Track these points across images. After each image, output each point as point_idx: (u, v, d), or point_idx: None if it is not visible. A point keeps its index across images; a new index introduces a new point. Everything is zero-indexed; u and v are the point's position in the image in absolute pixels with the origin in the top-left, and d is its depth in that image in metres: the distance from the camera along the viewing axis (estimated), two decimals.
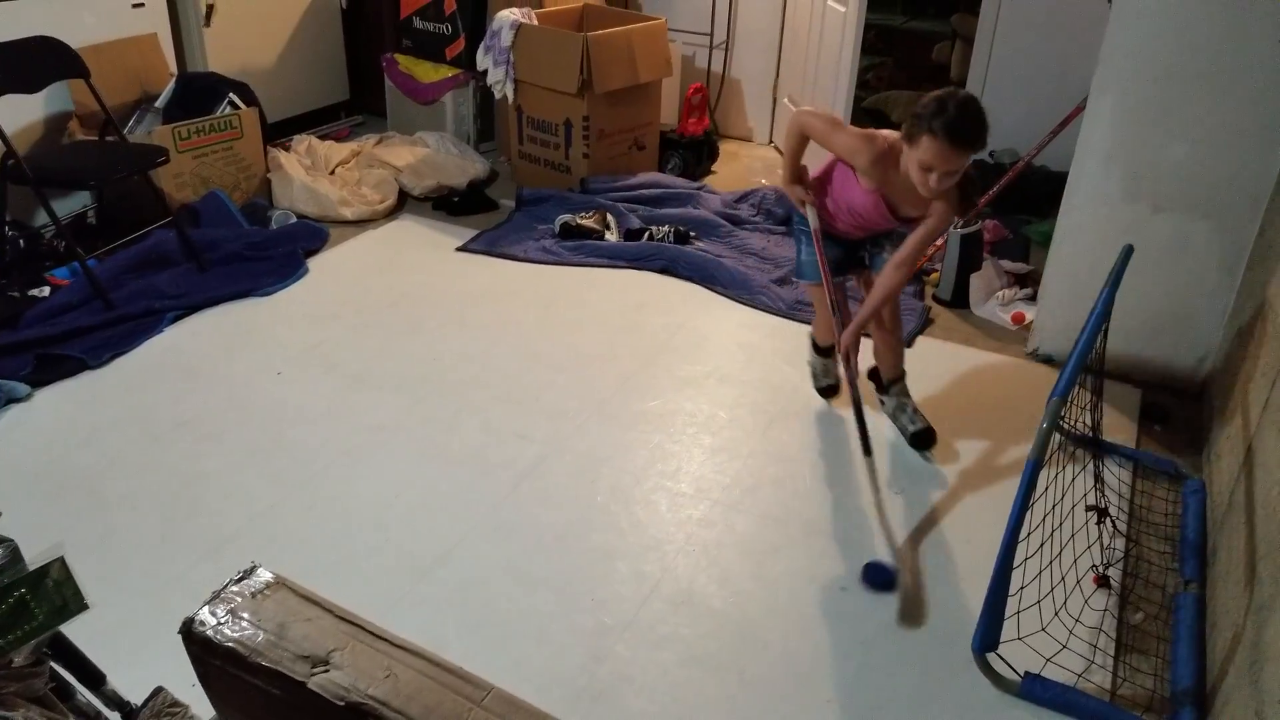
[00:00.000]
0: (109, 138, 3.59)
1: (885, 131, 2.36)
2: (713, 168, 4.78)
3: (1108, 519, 2.31)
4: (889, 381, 2.72)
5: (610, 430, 2.70)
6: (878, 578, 2.17)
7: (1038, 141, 3.49)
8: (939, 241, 3.53)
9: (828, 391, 2.86)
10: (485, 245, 3.83)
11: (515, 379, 2.94)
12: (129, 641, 1.94)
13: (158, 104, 3.88)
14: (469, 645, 1.98)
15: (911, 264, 2.39)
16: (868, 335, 2.63)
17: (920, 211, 2.35)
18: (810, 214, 2.52)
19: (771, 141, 5.15)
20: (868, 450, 2.55)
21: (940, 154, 2.16)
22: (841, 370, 2.62)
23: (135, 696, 1.55)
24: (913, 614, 2.10)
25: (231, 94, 4.00)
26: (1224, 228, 2.70)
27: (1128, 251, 2.28)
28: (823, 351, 2.82)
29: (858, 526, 2.36)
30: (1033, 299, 3.31)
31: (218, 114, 3.88)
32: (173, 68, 4.09)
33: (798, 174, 2.52)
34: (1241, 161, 2.62)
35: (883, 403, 2.76)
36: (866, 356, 2.71)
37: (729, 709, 1.86)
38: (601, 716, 1.83)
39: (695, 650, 1.99)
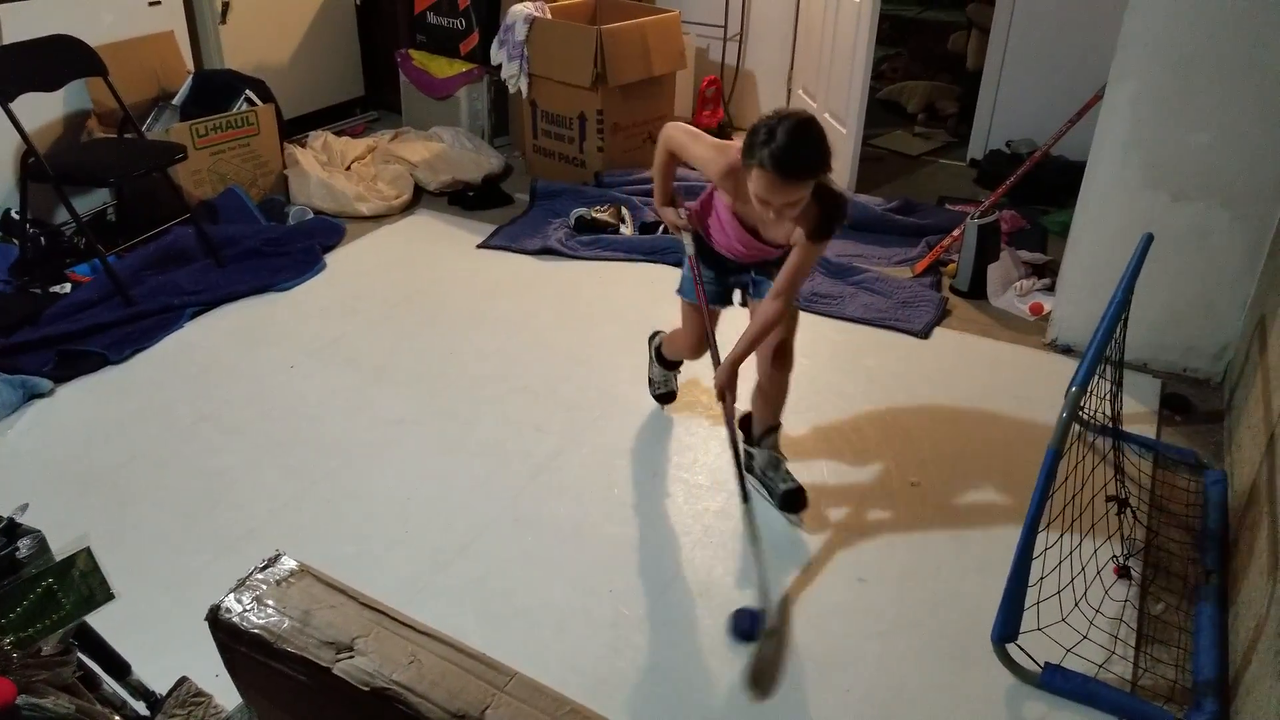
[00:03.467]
0: (127, 135, 3.62)
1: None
2: None
3: (1128, 509, 2.29)
4: (762, 433, 2.42)
5: (627, 422, 2.70)
6: (743, 625, 1.98)
7: (1055, 131, 3.47)
8: (955, 233, 3.52)
9: (665, 398, 2.76)
10: (506, 241, 3.82)
11: (532, 372, 2.95)
12: (153, 633, 1.96)
13: (175, 101, 3.91)
14: (488, 636, 1.99)
15: (788, 296, 2.12)
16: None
17: (785, 237, 2.11)
18: (686, 239, 2.33)
19: None
20: (745, 497, 2.19)
21: (770, 186, 1.89)
22: (722, 411, 2.32)
23: (160, 686, 1.57)
24: (931, 605, 2.10)
25: (248, 91, 4.02)
26: (1245, 216, 2.68)
27: (1147, 240, 2.26)
28: (667, 365, 2.69)
29: (875, 518, 2.35)
30: (1051, 289, 3.29)
31: (234, 111, 3.90)
32: (189, 65, 4.12)
33: (669, 196, 2.36)
34: (1263, 149, 2.59)
35: (751, 456, 2.44)
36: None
37: (748, 699, 1.86)
38: (620, 706, 1.83)
39: (714, 641, 1.99)
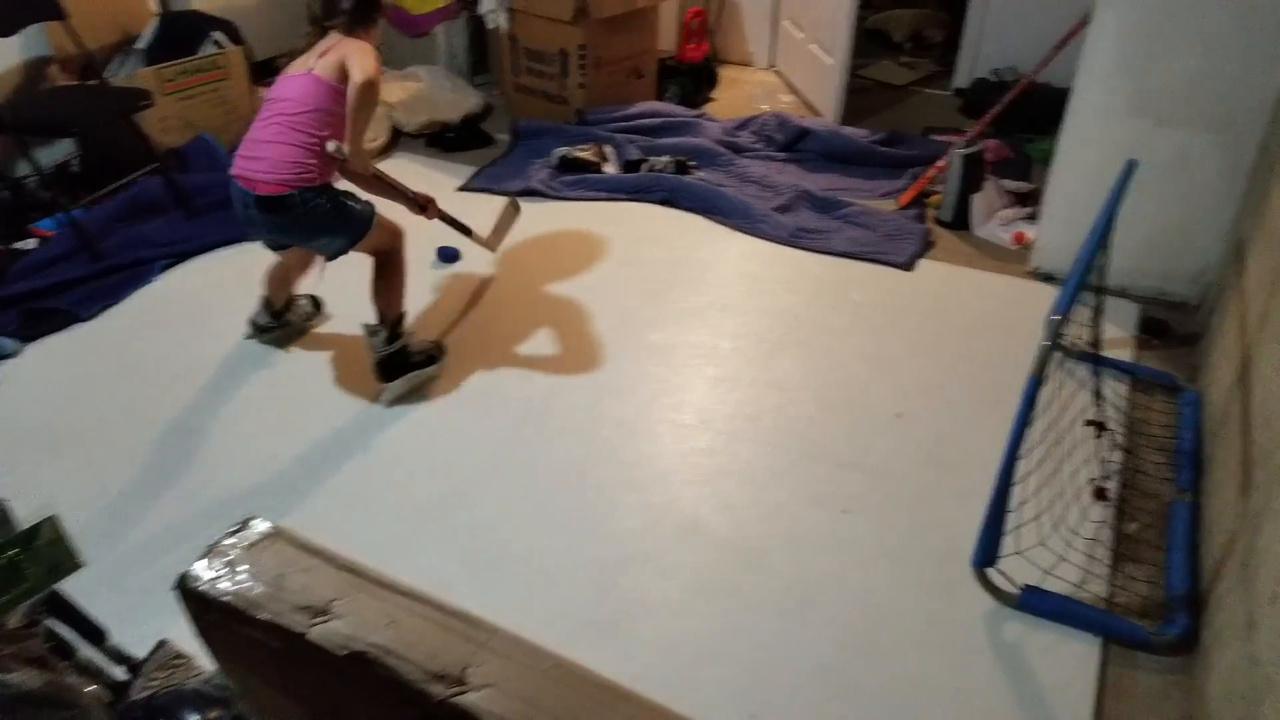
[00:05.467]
0: (90, 82, 3.52)
1: None
2: (712, 94, 4.69)
3: (1106, 432, 2.32)
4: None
5: (614, 364, 2.71)
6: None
7: (1040, 58, 3.41)
8: (940, 164, 3.48)
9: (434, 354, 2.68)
10: (488, 183, 3.77)
11: (516, 316, 2.94)
12: (130, 596, 1.96)
13: (139, 45, 3.80)
14: (477, 583, 2.02)
15: None
16: None
17: None
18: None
19: (773, 66, 5.04)
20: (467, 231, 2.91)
21: None
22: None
23: (140, 650, 1.55)
24: (914, 533, 2.13)
25: (216, 33, 3.92)
26: (1225, 141, 2.66)
27: (1130, 166, 2.24)
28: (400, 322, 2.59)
29: (859, 449, 2.38)
30: (1034, 218, 3.27)
31: (202, 54, 3.80)
32: (154, 7, 3.99)
33: None
34: (1246, 74, 2.56)
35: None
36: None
37: (734, 633, 1.91)
38: (610, 647, 1.88)
39: (701, 578, 2.03)
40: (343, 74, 2.27)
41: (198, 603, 0.73)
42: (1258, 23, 2.49)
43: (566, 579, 2.03)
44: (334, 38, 2.33)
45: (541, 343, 2.82)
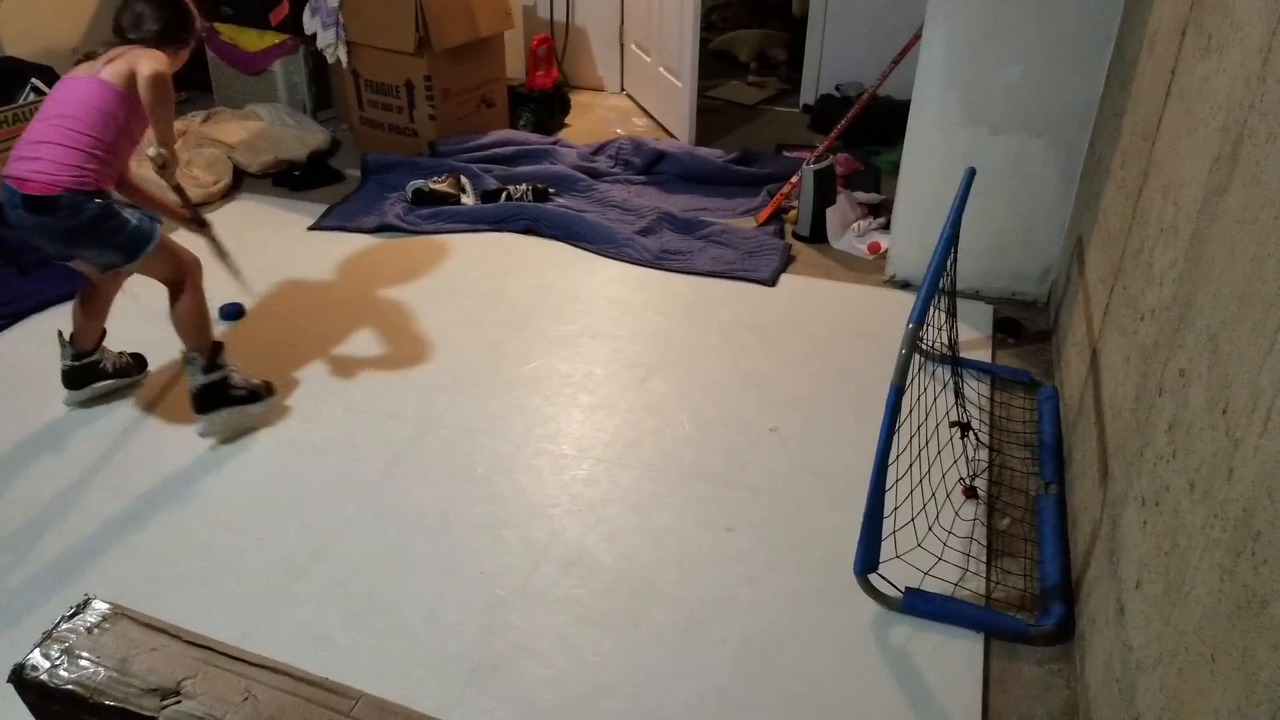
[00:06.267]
0: None
1: None
2: (566, 120, 4.69)
3: (971, 432, 2.42)
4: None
5: (485, 399, 2.64)
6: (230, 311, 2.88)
7: (880, 73, 3.57)
8: (794, 180, 3.59)
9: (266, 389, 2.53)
10: (340, 220, 3.64)
11: (380, 357, 2.83)
12: None
13: None
14: (357, 638, 1.91)
15: None
16: None
17: None
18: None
19: (624, 90, 5.10)
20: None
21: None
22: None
23: None
24: (797, 546, 2.15)
25: (34, 79, 3.67)
26: (1056, 144, 2.83)
27: (970, 174, 2.35)
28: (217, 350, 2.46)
29: (738, 466, 2.39)
30: (887, 228, 3.40)
31: (21, 102, 3.55)
32: None
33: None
34: (1069, 79, 2.74)
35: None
36: None
37: (627, 662, 1.87)
38: (500, 689, 1.80)
39: (589, 610, 1.98)
40: (130, 80, 2.22)
41: (38, 694, 0.64)
42: (1070, 35, 2.68)
43: (451, 623, 1.95)
44: (126, 48, 2.30)
45: (407, 381, 2.72)
